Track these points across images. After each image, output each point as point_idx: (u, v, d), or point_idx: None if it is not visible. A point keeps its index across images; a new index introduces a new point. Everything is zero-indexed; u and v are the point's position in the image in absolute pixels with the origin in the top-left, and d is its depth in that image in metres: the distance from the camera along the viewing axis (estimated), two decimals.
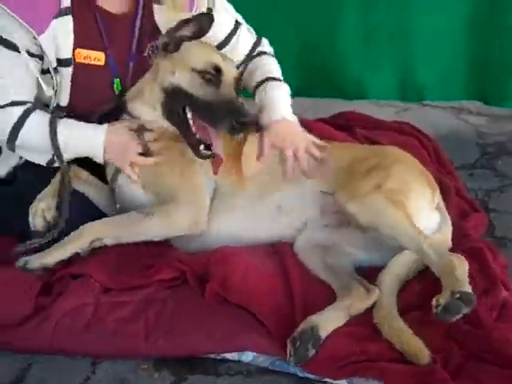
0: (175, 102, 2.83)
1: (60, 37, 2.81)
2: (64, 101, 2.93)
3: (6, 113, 2.85)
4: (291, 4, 4.54)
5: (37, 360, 2.48)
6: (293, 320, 2.54)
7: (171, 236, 2.87)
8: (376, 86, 4.68)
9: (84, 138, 2.87)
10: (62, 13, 2.79)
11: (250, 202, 2.93)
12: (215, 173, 2.82)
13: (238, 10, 3.25)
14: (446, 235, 2.86)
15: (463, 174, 3.74)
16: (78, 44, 2.88)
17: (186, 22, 2.83)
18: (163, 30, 2.94)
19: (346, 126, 3.87)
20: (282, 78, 3.14)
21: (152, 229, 2.81)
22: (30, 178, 3.01)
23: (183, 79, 2.81)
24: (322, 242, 2.88)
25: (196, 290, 2.71)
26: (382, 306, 2.57)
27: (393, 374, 2.32)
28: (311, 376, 2.40)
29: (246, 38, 3.20)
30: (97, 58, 2.94)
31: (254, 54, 3.23)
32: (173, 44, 2.84)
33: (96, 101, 2.95)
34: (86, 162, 2.98)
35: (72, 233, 2.78)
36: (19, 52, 2.78)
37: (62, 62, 2.85)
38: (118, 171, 2.93)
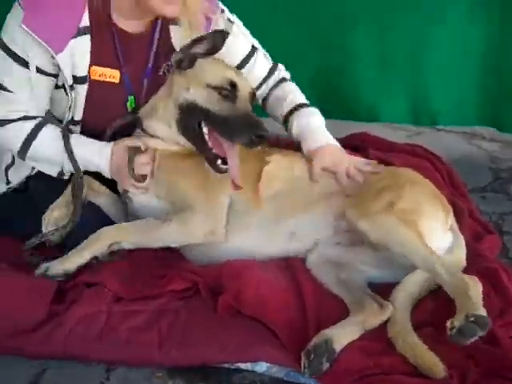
0: (190, 118, 2.85)
1: (77, 55, 2.85)
2: (78, 116, 2.96)
3: (18, 127, 2.89)
4: (307, 27, 4.58)
5: (51, 365, 2.47)
6: (306, 334, 2.53)
7: (187, 243, 2.87)
8: (389, 111, 4.72)
9: (92, 156, 2.90)
10: (80, 32, 2.83)
11: (264, 223, 2.93)
12: (235, 189, 2.82)
13: (251, 29, 3.27)
14: (460, 256, 2.85)
15: (475, 196, 3.74)
16: (93, 62, 2.91)
17: (199, 39, 2.86)
18: (178, 48, 2.97)
19: (359, 147, 3.88)
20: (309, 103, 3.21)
21: (169, 235, 2.83)
22: (43, 187, 3.04)
23: (199, 95, 2.84)
24: (334, 258, 2.88)
25: (208, 302, 2.71)
26: (396, 321, 2.56)
27: None
28: None
29: (262, 62, 3.23)
30: (112, 75, 2.97)
31: (277, 80, 3.28)
32: (187, 61, 2.87)
33: (109, 117, 2.98)
34: (98, 173, 3.00)
35: (90, 236, 2.79)
36: (31, 69, 2.82)
37: (77, 79, 2.88)
38: (132, 161, 2.92)
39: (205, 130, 2.84)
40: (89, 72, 2.91)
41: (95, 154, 2.91)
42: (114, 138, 2.98)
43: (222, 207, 2.90)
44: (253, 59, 3.20)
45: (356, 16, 4.59)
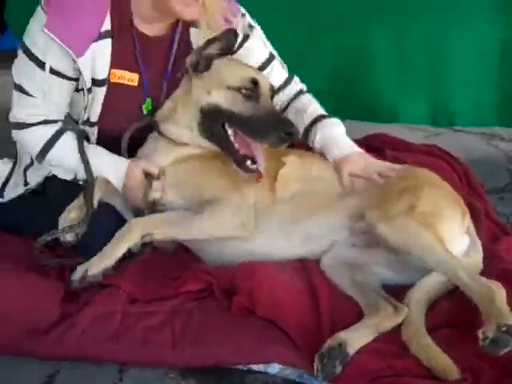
0: (213, 121, 2.84)
1: (98, 59, 2.86)
2: (94, 117, 2.97)
3: (38, 132, 2.92)
4: (327, 28, 4.58)
5: (64, 366, 2.48)
6: (319, 336, 2.53)
7: (218, 236, 2.85)
8: (408, 112, 4.70)
9: (107, 169, 2.92)
10: (101, 36, 2.84)
11: (280, 224, 2.91)
12: (260, 178, 2.83)
13: (273, 36, 3.27)
14: (477, 259, 2.83)
15: (493, 197, 3.72)
16: (113, 65, 2.92)
17: (212, 40, 2.86)
18: None
19: (377, 147, 3.87)
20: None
21: (200, 227, 2.81)
22: (60, 189, 3.06)
23: (221, 97, 2.82)
24: (349, 260, 2.86)
25: (222, 303, 2.70)
26: (410, 323, 2.54)
27: None
28: None
29: (278, 72, 3.23)
30: (131, 78, 2.98)
31: (296, 92, 3.27)
32: (203, 63, 2.86)
33: (126, 120, 2.99)
34: None
35: (121, 230, 2.79)
36: (52, 73, 2.84)
37: (96, 82, 2.90)
38: (147, 187, 2.92)
39: (229, 131, 2.83)
40: (108, 75, 2.92)
41: (110, 169, 2.92)
42: (131, 140, 3.00)
43: (251, 202, 2.89)
44: (270, 67, 3.19)
45: (376, 17, 4.57)
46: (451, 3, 4.48)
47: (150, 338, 2.53)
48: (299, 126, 3.15)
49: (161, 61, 3.03)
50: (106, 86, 2.92)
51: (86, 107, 2.93)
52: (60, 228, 2.91)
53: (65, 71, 2.85)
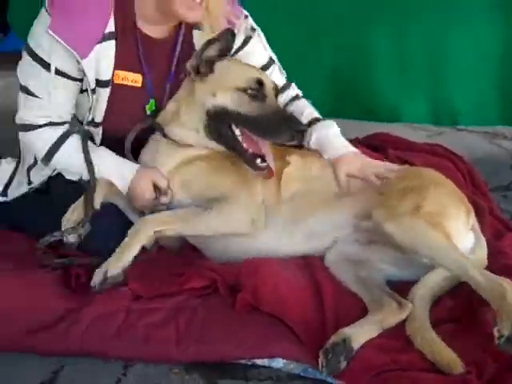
0: (220, 122, 2.85)
1: (102, 60, 2.87)
2: (99, 118, 2.98)
3: (44, 134, 2.93)
4: (327, 28, 4.59)
5: (69, 362, 2.48)
6: (323, 332, 2.53)
7: (228, 232, 2.85)
8: (410, 111, 4.72)
9: (114, 173, 2.93)
10: (105, 37, 2.85)
11: (284, 222, 2.92)
12: (271, 174, 2.85)
13: (273, 36, 3.27)
14: (482, 255, 2.83)
15: (496, 195, 3.72)
16: (117, 66, 2.93)
17: (209, 42, 2.85)
18: None
19: (379, 147, 3.88)
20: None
21: (210, 223, 2.82)
22: (63, 188, 3.07)
23: (227, 99, 2.83)
24: (353, 256, 2.87)
25: (226, 299, 2.71)
26: (414, 318, 2.54)
27: (426, 383, 2.30)
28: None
29: (277, 77, 3.22)
30: (134, 79, 2.99)
31: (292, 96, 3.27)
32: (204, 66, 2.86)
33: (130, 120, 3.00)
34: None
35: (132, 228, 2.80)
36: (57, 74, 2.84)
37: (100, 83, 2.90)
38: (155, 199, 2.93)
39: (237, 131, 2.84)
40: (112, 76, 2.93)
41: (115, 171, 2.93)
42: (134, 140, 3.01)
43: (259, 200, 2.90)
44: (269, 71, 3.19)
45: (376, 17, 4.60)
46: (451, 3, 4.52)
47: (154, 334, 2.53)
48: None
49: (164, 62, 3.03)
50: (110, 87, 2.93)
51: (90, 108, 2.94)
52: (63, 229, 2.91)
53: (70, 72, 2.86)
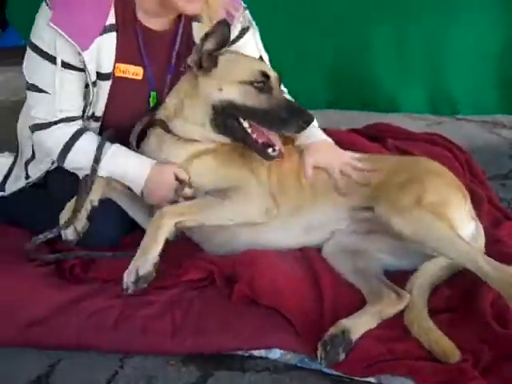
0: (227, 117, 2.83)
1: (103, 52, 2.86)
2: (99, 112, 2.97)
3: (57, 132, 2.91)
4: (325, 19, 4.58)
5: (65, 355, 2.48)
6: (321, 323, 2.53)
7: (243, 221, 2.85)
8: (409, 101, 4.71)
9: (128, 171, 2.90)
10: (106, 30, 2.85)
11: (281, 216, 2.91)
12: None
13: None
14: (480, 244, 2.83)
15: (495, 184, 3.72)
16: (118, 59, 2.92)
17: (207, 35, 2.83)
18: None
19: (377, 136, 3.87)
20: None
21: (227, 213, 2.82)
22: (60, 183, 3.06)
23: (235, 93, 2.81)
24: (351, 247, 2.87)
25: (223, 291, 2.71)
26: (412, 307, 2.55)
27: (422, 371, 2.31)
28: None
29: None
30: (135, 72, 2.98)
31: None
32: (207, 60, 2.83)
33: (131, 113, 2.99)
34: None
35: (151, 222, 2.77)
36: (63, 66, 2.83)
37: (101, 76, 2.90)
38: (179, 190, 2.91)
39: (245, 124, 2.83)
40: (113, 69, 2.92)
41: (132, 169, 2.90)
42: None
43: (268, 189, 2.92)
44: None
45: (375, 6, 4.58)
46: None
47: (150, 326, 2.53)
48: None
49: (164, 54, 3.02)
50: (111, 80, 2.93)
51: (90, 102, 2.93)
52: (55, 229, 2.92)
53: (74, 63, 2.84)
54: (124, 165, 2.90)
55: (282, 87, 3.10)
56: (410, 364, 2.33)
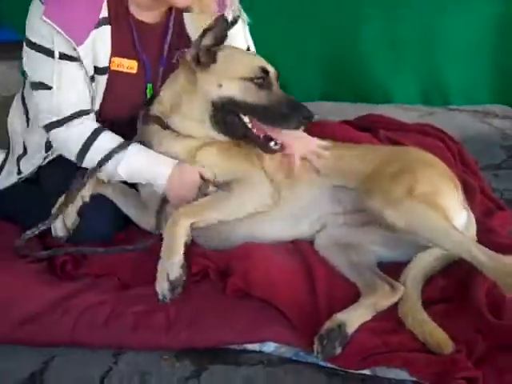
0: (227, 113, 2.82)
1: (98, 46, 2.85)
2: (96, 106, 2.95)
3: (75, 130, 2.88)
4: (316, 9, 4.56)
5: (59, 352, 2.48)
6: (315, 316, 2.53)
7: (254, 210, 2.84)
8: (401, 91, 4.68)
9: (150, 169, 2.87)
10: (100, 23, 2.83)
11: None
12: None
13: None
14: (471, 233, 2.83)
15: (488, 174, 3.72)
16: (112, 52, 2.91)
17: (204, 32, 2.81)
18: (193, 36, 2.96)
19: (369, 127, 3.87)
20: None
21: (240, 205, 2.82)
22: (53, 178, 3.06)
23: (235, 89, 2.79)
24: (343, 239, 2.86)
25: (217, 285, 2.70)
26: (406, 299, 2.55)
27: (416, 362, 2.31)
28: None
29: None
30: (129, 66, 2.97)
31: None
32: (205, 55, 2.81)
33: (127, 107, 2.98)
34: None
35: (167, 225, 2.72)
36: (62, 58, 2.81)
37: (98, 70, 2.89)
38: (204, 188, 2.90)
39: (246, 119, 2.82)
40: (109, 63, 2.91)
41: (155, 168, 2.87)
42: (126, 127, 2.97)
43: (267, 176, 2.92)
44: None
45: None
46: None
47: (144, 321, 2.53)
48: None
49: (157, 46, 3.01)
50: (107, 74, 2.92)
51: (92, 97, 2.92)
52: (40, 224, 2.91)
53: (72, 54, 2.81)
54: (146, 164, 2.87)
55: None
56: (404, 356, 2.33)
